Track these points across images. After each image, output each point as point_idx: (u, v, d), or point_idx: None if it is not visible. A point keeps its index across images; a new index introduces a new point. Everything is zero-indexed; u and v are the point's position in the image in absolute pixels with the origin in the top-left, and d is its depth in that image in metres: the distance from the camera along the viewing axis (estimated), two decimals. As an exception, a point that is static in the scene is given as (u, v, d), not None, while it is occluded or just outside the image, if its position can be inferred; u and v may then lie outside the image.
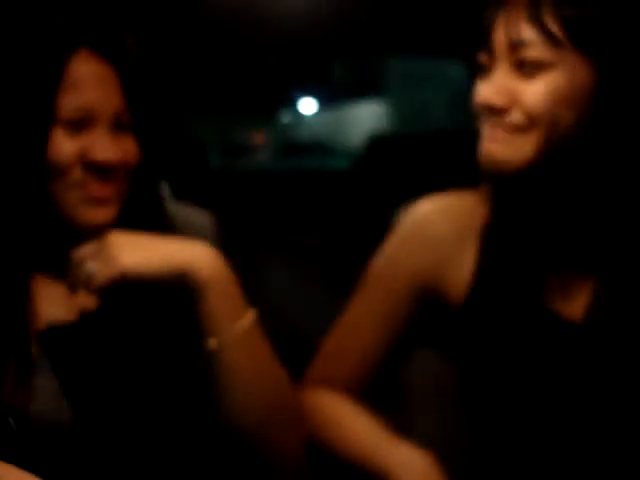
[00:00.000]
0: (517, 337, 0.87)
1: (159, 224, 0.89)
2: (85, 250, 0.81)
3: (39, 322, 0.83)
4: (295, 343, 2.65)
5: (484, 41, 0.84)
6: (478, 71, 0.86)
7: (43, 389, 0.80)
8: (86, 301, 0.85)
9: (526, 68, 0.80)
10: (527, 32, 0.80)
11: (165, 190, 1.77)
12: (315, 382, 0.98)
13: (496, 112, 0.82)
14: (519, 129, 0.82)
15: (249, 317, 0.85)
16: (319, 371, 0.99)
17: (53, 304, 0.85)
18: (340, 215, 2.64)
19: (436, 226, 0.93)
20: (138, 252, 0.80)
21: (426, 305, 0.95)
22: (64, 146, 0.80)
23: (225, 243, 1.05)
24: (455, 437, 0.91)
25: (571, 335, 0.85)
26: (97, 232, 0.82)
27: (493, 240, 0.90)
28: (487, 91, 0.82)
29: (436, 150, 2.49)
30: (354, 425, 0.92)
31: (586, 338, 0.84)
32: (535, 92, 0.80)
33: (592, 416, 0.84)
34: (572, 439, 0.85)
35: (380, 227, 1.19)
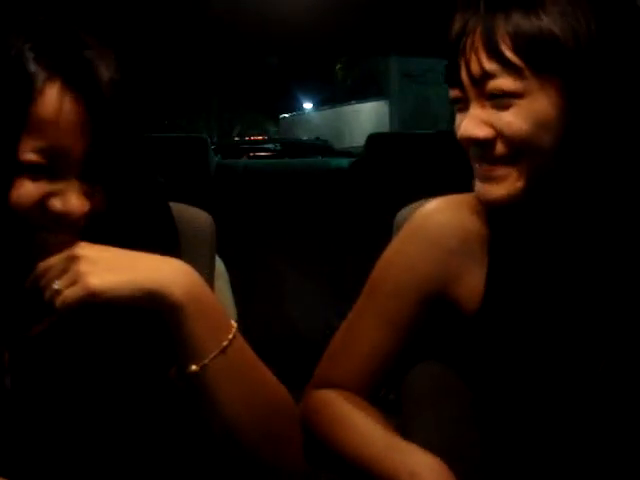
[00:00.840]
0: (531, 343, 0.87)
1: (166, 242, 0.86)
2: (50, 264, 0.76)
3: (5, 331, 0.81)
4: (295, 343, 2.65)
5: (451, 76, 0.85)
6: (455, 105, 0.86)
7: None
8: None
9: (497, 100, 0.81)
10: (488, 65, 0.80)
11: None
12: (320, 383, 0.98)
13: (481, 145, 0.83)
14: (507, 160, 0.82)
15: (230, 334, 0.79)
16: (324, 372, 0.98)
17: (20, 313, 0.82)
18: (340, 214, 2.64)
19: (444, 230, 0.93)
20: (108, 272, 0.75)
21: (437, 311, 0.94)
22: (25, 191, 0.74)
23: (224, 243, 1.05)
24: (455, 438, 0.91)
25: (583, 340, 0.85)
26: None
27: (500, 251, 0.90)
28: (468, 125, 0.83)
29: (436, 150, 2.48)
30: (362, 426, 0.91)
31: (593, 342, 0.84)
32: (512, 122, 0.80)
33: (604, 424, 0.83)
34: (581, 443, 0.84)
35: (380, 226, 1.19)
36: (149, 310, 0.76)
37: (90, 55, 0.75)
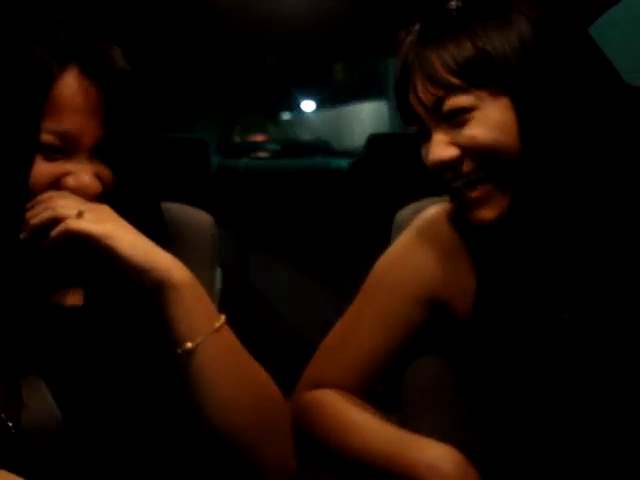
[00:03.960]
0: (526, 345, 0.87)
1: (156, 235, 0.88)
2: (66, 196, 0.79)
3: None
4: (295, 343, 2.65)
5: (407, 114, 0.89)
6: (419, 139, 0.90)
7: (31, 391, 0.80)
8: (71, 298, 0.85)
9: (455, 118, 0.84)
10: (436, 92, 0.84)
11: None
12: (312, 383, 0.97)
13: (452, 166, 0.85)
14: (482, 178, 0.85)
15: (222, 319, 0.83)
16: (317, 372, 0.98)
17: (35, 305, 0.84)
18: (340, 214, 2.64)
19: (445, 234, 0.93)
20: (123, 229, 0.79)
21: (434, 314, 0.95)
22: (40, 171, 0.79)
23: (224, 243, 1.05)
24: (455, 437, 0.91)
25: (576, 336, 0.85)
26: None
27: (489, 257, 0.91)
28: (435, 150, 0.86)
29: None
30: (367, 423, 0.90)
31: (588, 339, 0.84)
32: (475, 134, 0.83)
33: (597, 423, 0.84)
34: (577, 442, 0.85)
35: (380, 227, 1.20)
36: (141, 291, 0.80)
37: (105, 46, 0.82)
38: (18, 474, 0.72)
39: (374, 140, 2.71)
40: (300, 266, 2.56)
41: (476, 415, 0.92)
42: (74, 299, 0.88)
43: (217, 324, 0.82)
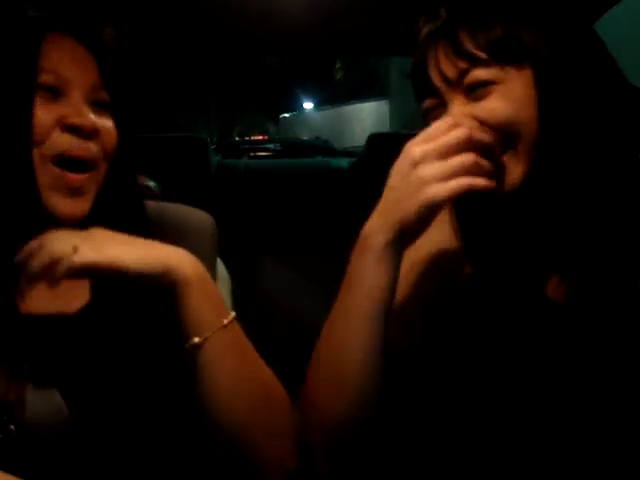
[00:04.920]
0: (516, 331, 0.87)
1: (136, 218, 0.90)
2: (57, 235, 0.79)
3: (27, 320, 0.83)
4: (295, 343, 2.63)
5: (423, 88, 0.89)
6: (429, 114, 0.89)
7: (39, 391, 0.80)
8: (76, 295, 0.86)
9: (476, 91, 0.84)
10: (460, 64, 0.85)
11: (156, 188, 1.76)
12: None
13: None
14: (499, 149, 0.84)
15: (230, 316, 0.84)
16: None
17: (40, 301, 0.84)
18: (340, 214, 2.64)
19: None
20: (123, 246, 0.79)
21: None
22: (42, 112, 0.82)
23: (224, 243, 1.05)
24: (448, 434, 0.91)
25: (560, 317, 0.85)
26: (70, 223, 0.83)
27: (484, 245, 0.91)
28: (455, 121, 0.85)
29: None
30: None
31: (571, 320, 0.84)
32: (495, 107, 0.83)
33: (587, 408, 0.83)
34: (567, 432, 0.84)
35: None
36: (152, 290, 0.80)
37: (94, 16, 0.88)
38: (21, 476, 0.71)
39: (374, 140, 2.71)
40: (300, 266, 2.55)
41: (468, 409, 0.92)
42: (79, 300, 0.87)
43: (225, 321, 0.83)
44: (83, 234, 0.79)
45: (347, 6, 1.90)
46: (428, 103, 0.89)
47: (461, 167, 0.78)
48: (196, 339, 0.81)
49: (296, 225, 2.64)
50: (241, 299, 1.05)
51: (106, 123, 0.86)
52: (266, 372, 0.87)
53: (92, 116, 0.84)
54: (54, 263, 0.76)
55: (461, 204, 0.88)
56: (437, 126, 0.81)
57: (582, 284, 0.85)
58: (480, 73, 0.84)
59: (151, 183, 1.96)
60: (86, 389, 0.82)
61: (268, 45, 2.42)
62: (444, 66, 0.86)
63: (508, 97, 0.83)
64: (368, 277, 0.84)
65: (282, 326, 2.50)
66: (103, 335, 0.85)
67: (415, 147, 0.80)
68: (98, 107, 0.86)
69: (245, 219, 2.62)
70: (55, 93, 0.83)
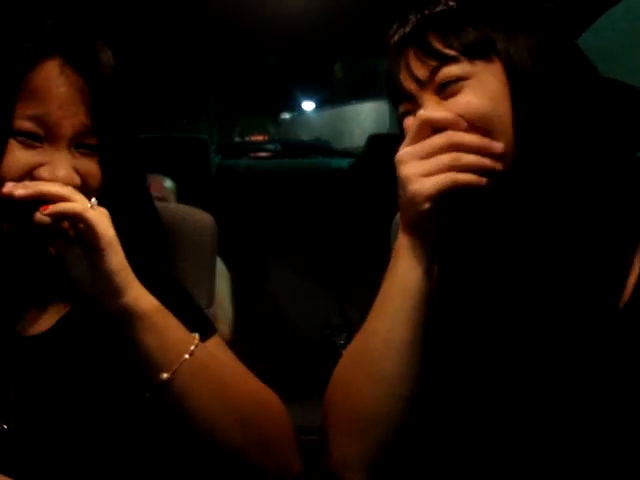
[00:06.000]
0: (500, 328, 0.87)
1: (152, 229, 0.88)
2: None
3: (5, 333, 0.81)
4: (295, 343, 2.64)
5: (397, 93, 0.89)
6: (405, 118, 0.90)
7: None
8: (44, 319, 0.84)
9: (449, 87, 0.84)
10: (430, 63, 0.85)
11: (172, 187, 1.73)
12: None
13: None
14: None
15: (195, 341, 0.80)
16: None
17: (20, 317, 0.83)
18: (340, 214, 2.64)
19: None
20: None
21: None
22: (15, 158, 0.77)
23: (224, 243, 1.06)
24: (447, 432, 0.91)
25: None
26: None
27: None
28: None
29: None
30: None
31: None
32: (469, 101, 0.83)
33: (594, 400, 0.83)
34: (571, 434, 0.84)
35: (380, 227, 1.20)
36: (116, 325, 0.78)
37: (90, 40, 0.81)
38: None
39: (374, 140, 2.72)
40: (300, 266, 2.55)
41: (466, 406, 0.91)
42: (44, 324, 0.85)
43: (191, 347, 0.79)
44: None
45: (347, 6, 1.91)
46: (403, 108, 0.89)
47: (443, 164, 0.80)
48: (164, 375, 0.77)
49: (296, 225, 2.64)
50: (241, 299, 1.06)
51: (89, 167, 0.81)
52: (251, 382, 0.84)
53: (69, 168, 0.78)
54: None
55: (451, 206, 0.88)
56: (411, 125, 0.84)
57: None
58: (450, 69, 0.83)
59: (168, 183, 1.96)
60: (45, 418, 0.79)
61: (268, 45, 2.42)
62: (414, 68, 0.86)
63: (481, 90, 0.83)
64: (399, 273, 0.87)
65: (282, 326, 2.51)
66: (56, 361, 0.82)
67: (400, 149, 0.84)
68: (84, 150, 0.81)
69: (245, 219, 2.62)
70: (35, 139, 0.78)
